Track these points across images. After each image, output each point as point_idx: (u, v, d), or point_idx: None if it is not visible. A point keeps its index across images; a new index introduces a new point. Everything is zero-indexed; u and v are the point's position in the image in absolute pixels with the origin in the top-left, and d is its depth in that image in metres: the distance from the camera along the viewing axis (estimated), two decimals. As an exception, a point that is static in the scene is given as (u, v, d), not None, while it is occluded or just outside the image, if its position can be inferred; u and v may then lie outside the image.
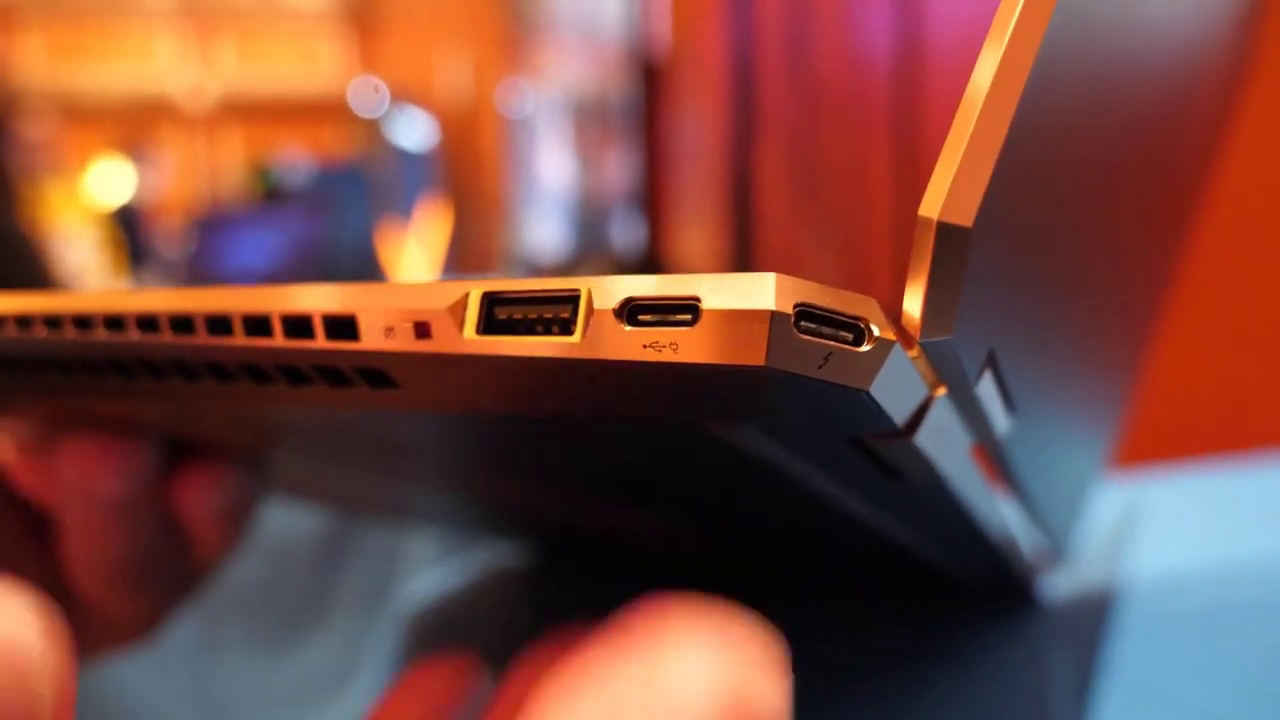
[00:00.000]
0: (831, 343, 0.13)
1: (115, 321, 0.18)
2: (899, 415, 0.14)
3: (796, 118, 1.65)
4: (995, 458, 0.19)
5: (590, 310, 0.13)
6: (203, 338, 0.17)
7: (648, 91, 2.03)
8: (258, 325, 0.17)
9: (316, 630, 0.84)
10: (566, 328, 0.14)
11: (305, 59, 5.64)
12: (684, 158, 1.97)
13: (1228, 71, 0.33)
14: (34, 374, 0.21)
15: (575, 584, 0.36)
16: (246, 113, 5.56)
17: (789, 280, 0.13)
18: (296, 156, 2.33)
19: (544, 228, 2.63)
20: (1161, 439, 0.77)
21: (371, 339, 0.15)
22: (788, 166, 1.68)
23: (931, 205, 0.12)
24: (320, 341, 0.16)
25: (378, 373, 0.16)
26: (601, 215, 2.19)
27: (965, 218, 0.12)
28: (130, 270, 2.63)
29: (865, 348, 0.13)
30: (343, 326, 0.16)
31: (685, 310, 0.13)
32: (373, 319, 0.15)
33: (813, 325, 0.13)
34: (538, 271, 1.78)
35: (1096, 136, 0.18)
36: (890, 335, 0.13)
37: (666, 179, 2.05)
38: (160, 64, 5.46)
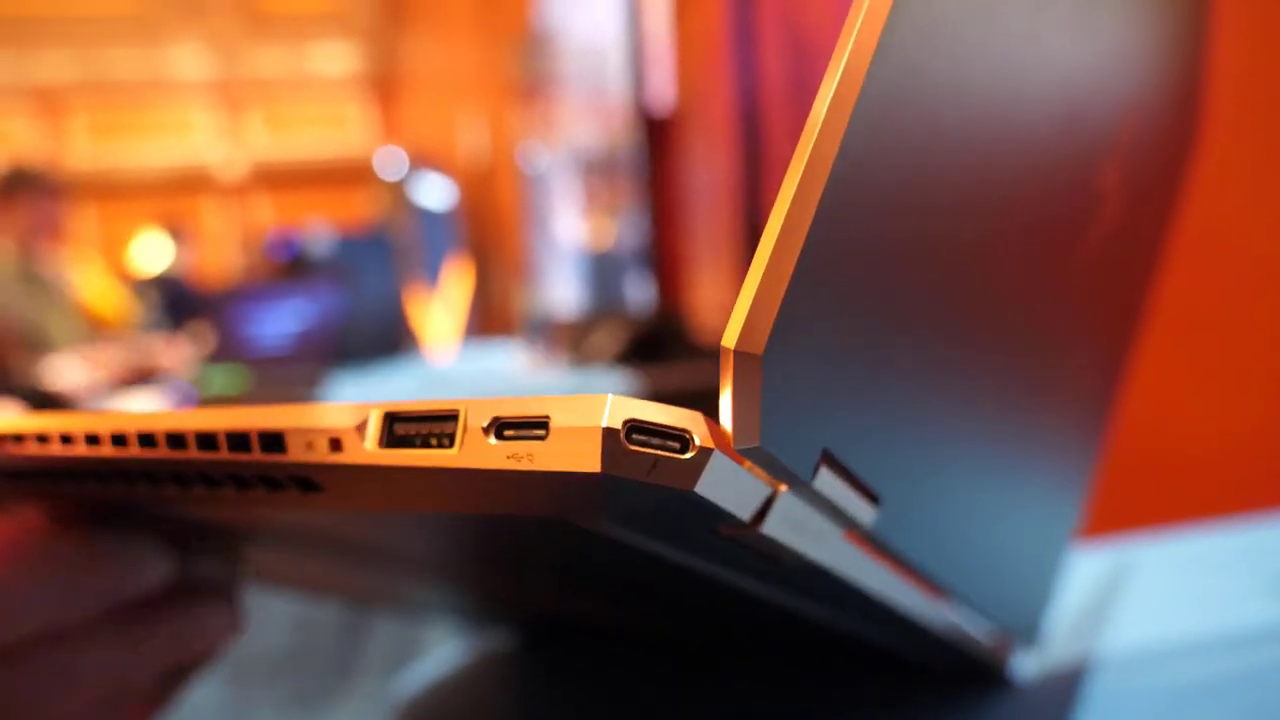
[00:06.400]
0: (659, 452, 0.15)
1: (92, 439, 0.22)
2: (742, 510, 0.16)
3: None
4: (877, 544, 0.21)
5: (466, 427, 0.16)
6: (163, 451, 0.20)
7: (653, 145, 2.07)
8: (207, 442, 0.20)
9: (339, 694, 0.87)
10: (451, 442, 0.16)
11: (330, 126, 5.80)
12: (694, 209, 2.00)
13: (1172, 127, 0.33)
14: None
15: (558, 667, 0.37)
16: (276, 180, 5.72)
17: (623, 401, 0.15)
18: (319, 227, 2.40)
19: (561, 285, 2.67)
20: (1152, 501, 0.76)
21: (296, 452, 0.18)
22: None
23: (729, 336, 0.15)
24: (256, 454, 0.19)
25: (304, 479, 0.19)
26: (615, 271, 2.23)
27: (756, 346, 0.14)
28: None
29: (688, 455, 0.15)
30: (273, 441, 0.19)
31: (539, 427, 0.16)
32: (296, 436, 0.18)
33: (642, 437, 0.15)
34: (554, 330, 1.83)
35: (937, 230, 0.19)
36: (710, 444, 0.15)
37: (676, 232, 2.09)
38: (196, 137, 5.64)
